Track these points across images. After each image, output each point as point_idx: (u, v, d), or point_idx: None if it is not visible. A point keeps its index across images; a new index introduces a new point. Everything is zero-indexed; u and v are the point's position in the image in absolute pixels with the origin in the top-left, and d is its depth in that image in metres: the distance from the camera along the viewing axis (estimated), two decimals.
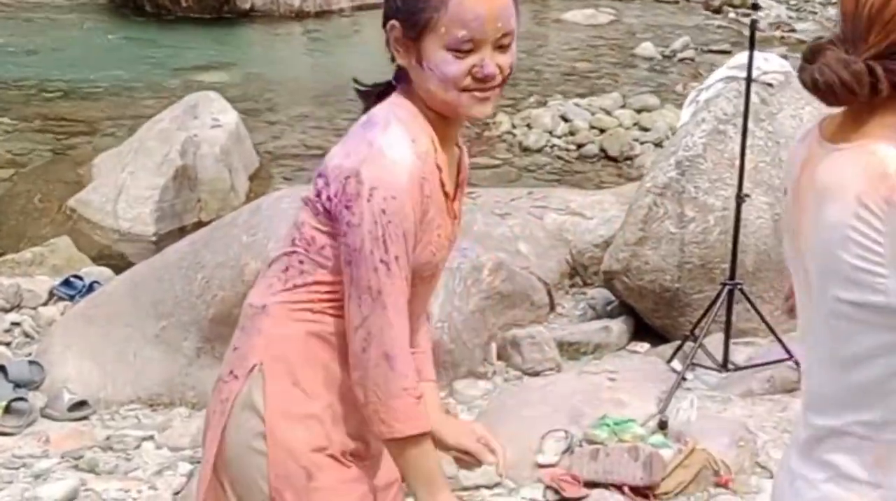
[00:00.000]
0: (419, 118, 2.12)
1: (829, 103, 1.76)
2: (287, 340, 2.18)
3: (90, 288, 5.36)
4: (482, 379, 4.75)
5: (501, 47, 2.08)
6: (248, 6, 11.38)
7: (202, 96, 7.67)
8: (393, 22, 2.10)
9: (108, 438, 4.26)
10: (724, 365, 4.61)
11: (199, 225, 6.38)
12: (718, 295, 4.60)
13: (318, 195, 2.13)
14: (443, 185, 2.15)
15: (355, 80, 2.25)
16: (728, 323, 4.61)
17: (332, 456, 2.18)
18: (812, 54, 1.76)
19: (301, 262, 2.17)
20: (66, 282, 5.47)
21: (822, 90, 1.73)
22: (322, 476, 2.16)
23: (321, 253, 2.15)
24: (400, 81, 2.16)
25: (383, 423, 2.13)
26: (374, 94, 2.19)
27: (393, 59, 2.15)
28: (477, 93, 2.09)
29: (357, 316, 2.10)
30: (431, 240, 2.15)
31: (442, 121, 2.15)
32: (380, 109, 2.14)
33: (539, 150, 8.28)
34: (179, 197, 6.99)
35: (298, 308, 2.18)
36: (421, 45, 2.08)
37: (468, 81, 2.07)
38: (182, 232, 6.42)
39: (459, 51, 2.06)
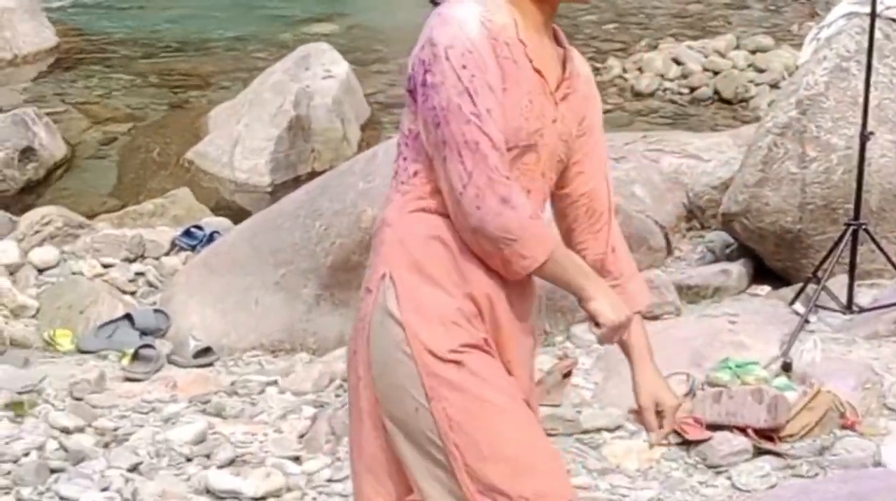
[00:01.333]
0: (497, 0, 2.19)
1: None
2: (407, 240, 2.21)
3: (210, 238, 5.44)
4: None
5: None
6: None
7: (313, 47, 7.70)
8: None
9: (232, 383, 4.34)
10: (849, 307, 4.52)
11: (313, 175, 6.42)
12: (842, 236, 4.51)
13: (408, 85, 2.21)
14: (531, 61, 2.19)
15: None
16: (853, 264, 4.52)
17: (474, 342, 2.19)
18: None
19: (405, 159, 2.24)
20: (187, 233, 5.55)
21: None
22: (472, 361, 2.18)
23: (417, 141, 2.21)
24: None
25: (526, 257, 2.14)
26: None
27: None
28: None
29: (461, 175, 2.11)
30: (520, 102, 2.16)
31: (532, 7, 2.20)
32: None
33: (651, 94, 8.16)
34: (294, 147, 7.04)
35: (411, 207, 2.21)
36: None
37: None
38: (297, 182, 6.46)
39: None
